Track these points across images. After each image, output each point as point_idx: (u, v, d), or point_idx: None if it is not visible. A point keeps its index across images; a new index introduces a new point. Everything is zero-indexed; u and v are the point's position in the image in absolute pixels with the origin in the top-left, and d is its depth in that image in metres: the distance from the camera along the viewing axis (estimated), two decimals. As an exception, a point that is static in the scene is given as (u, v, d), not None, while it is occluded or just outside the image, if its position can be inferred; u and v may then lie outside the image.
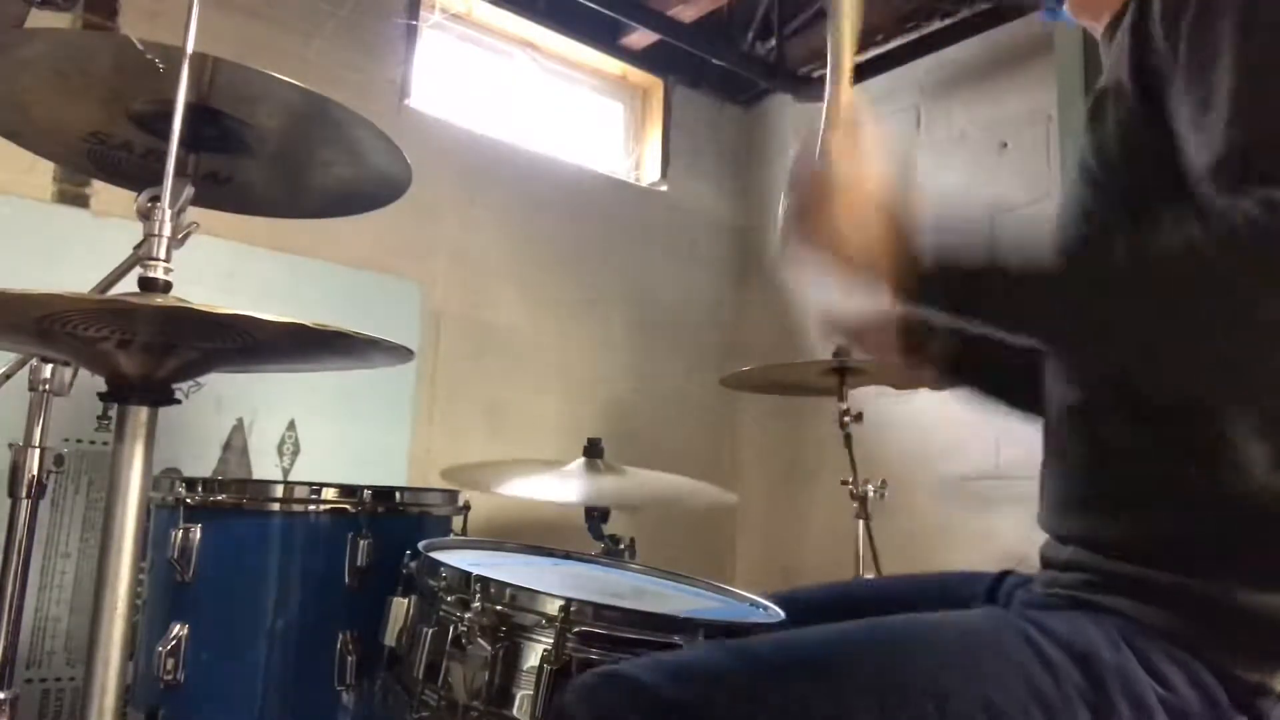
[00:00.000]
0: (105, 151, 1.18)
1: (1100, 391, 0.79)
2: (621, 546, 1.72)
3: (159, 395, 0.96)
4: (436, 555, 1.26)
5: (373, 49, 2.64)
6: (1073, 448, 0.83)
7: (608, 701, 0.76)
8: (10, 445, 1.25)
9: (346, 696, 1.43)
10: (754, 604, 1.31)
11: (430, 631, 1.16)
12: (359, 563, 1.46)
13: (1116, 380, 0.75)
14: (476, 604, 1.11)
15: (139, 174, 1.20)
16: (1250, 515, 0.72)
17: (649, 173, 3.34)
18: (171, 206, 0.96)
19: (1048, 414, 0.88)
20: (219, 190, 1.25)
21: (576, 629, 1.06)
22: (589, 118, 3.30)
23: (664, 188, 3.31)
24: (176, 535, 1.44)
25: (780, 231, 0.78)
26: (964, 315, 0.73)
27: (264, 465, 2.24)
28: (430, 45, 2.84)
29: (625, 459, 1.97)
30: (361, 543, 1.47)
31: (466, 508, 1.67)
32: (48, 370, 1.24)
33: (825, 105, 0.82)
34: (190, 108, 0.97)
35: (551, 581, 1.34)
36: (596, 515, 1.80)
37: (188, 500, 1.47)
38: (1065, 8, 0.99)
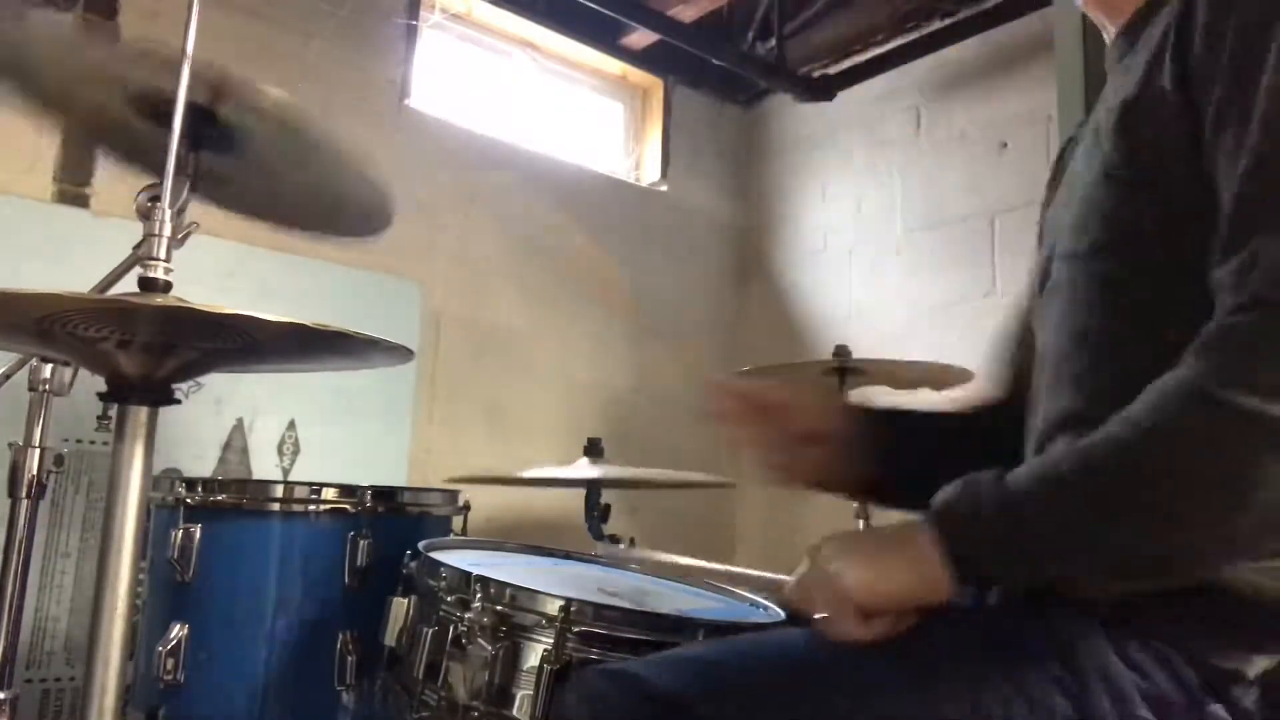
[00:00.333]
0: (112, 131, 1.17)
1: (1090, 400, 0.78)
2: (621, 546, 1.72)
3: (159, 395, 0.96)
4: (436, 555, 1.26)
5: (373, 49, 2.64)
6: (1057, 446, 0.83)
7: (608, 699, 0.76)
8: (10, 445, 1.25)
9: (346, 696, 1.43)
10: (754, 604, 1.31)
11: (430, 631, 1.16)
12: (359, 563, 1.46)
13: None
14: (476, 604, 1.11)
15: (143, 159, 1.20)
16: None
17: (649, 173, 3.34)
18: (171, 206, 0.96)
19: (1030, 423, 0.88)
20: (220, 190, 1.25)
21: (576, 629, 1.06)
22: (589, 118, 3.30)
23: (664, 188, 3.31)
24: (176, 535, 1.44)
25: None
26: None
27: (264, 465, 2.24)
28: (430, 45, 2.84)
29: (625, 459, 1.97)
30: (361, 543, 1.47)
31: (466, 508, 1.67)
32: (48, 370, 1.24)
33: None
34: (190, 106, 0.97)
35: (551, 581, 1.34)
36: (596, 515, 1.80)
37: (188, 500, 1.47)
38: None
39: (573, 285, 2.97)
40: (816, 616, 0.75)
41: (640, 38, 3.11)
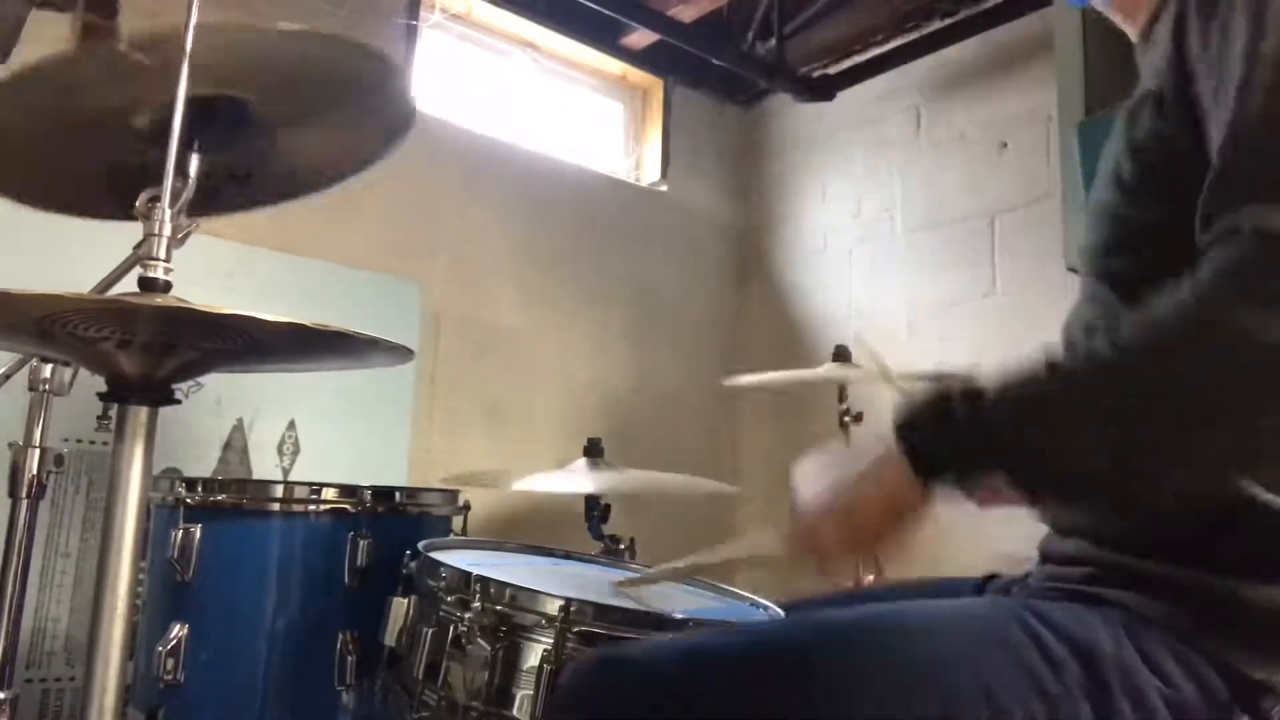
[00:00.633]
0: (127, 182, 1.16)
1: None
2: (621, 546, 1.72)
3: (159, 395, 0.96)
4: (436, 555, 1.26)
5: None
6: None
7: (603, 681, 0.75)
8: (10, 445, 1.25)
9: (346, 696, 1.43)
10: (754, 604, 1.31)
11: (430, 631, 1.16)
12: (359, 563, 1.46)
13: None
14: (476, 604, 1.11)
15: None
16: (1256, 509, 0.72)
17: (649, 173, 3.34)
18: (171, 206, 0.96)
19: None
20: (242, 191, 1.24)
21: (576, 629, 1.06)
22: (589, 118, 3.30)
23: (664, 188, 3.31)
24: (176, 535, 1.44)
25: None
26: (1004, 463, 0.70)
27: (264, 465, 2.24)
28: (430, 45, 2.84)
29: (625, 459, 1.97)
30: (361, 543, 1.47)
31: (466, 508, 1.67)
32: (48, 370, 1.24)
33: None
34: (191, 103, 0.97)
35: (551, 581, 1.34)
36: (596, 515, 1.80)
37: (188, 500, 1.47)
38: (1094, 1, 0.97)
39: (573, 285, 2.97)
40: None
41: (640, 38, 3.11)
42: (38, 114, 1.05)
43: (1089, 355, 0.66)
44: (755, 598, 1.31)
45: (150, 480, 0.96)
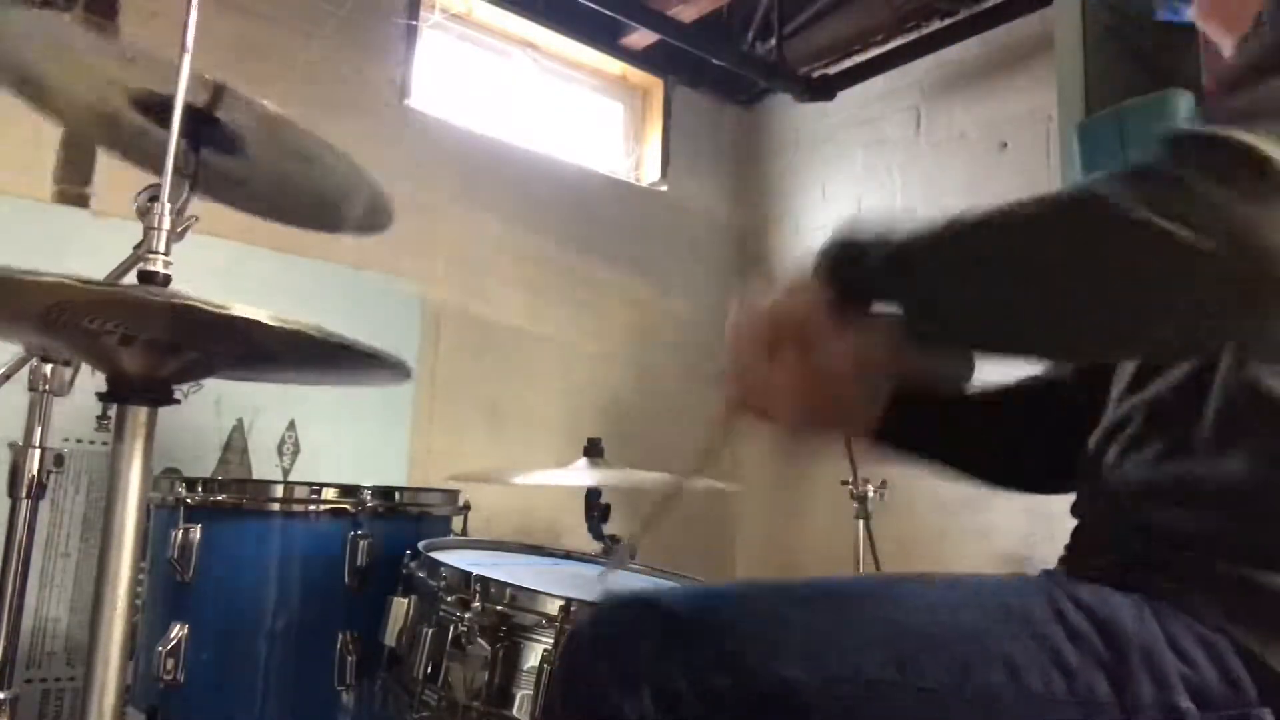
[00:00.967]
0: (126, 139, 1.17)
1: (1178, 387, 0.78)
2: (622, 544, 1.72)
3: (159, 395, 0.96)
4: (436, 555, 1.26)
5: (373, 49, 2.64)
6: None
7: (622, 619, 0.75)
8: (10, 445, 1.25)
9: (346, 696, 1.43)
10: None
11: (430, 631, 1.16)
12: (359, 563, 1.46)
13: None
14: (476, 604, 1.11)
15: (143, 156, 1.20)
16: None
17: (649, 173, 3.34)
18: (171, 201, 0.96)
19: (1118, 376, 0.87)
20: (234, 191, 1.24)
21: (577, 629, 1.06)
22: (589, 118, 3.30)
23: (664, 188, 3.31)
24: (176, 535, 1.44)
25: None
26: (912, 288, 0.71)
27: (264, 465, 2.24)
28: (430, 45, 2.84)
29: (625, 459, 1.97)
30: (361, 543, 1.47)
31: (466, 508, 1.67)
32: (48, 370, 1.24)
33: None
34: (190, 106, 0.97)
35: (551, 581, 1.34)
36: (596, 515, 1.80)
37: (188, 500, 1.47)
38: (1190, 13, 0.97)
39: (573, 285, 2.97)
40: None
41: (640, 38, 3.11)
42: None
43: (991, 208, 0.67)
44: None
45: (150, 480, 0.96)
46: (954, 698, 0.67)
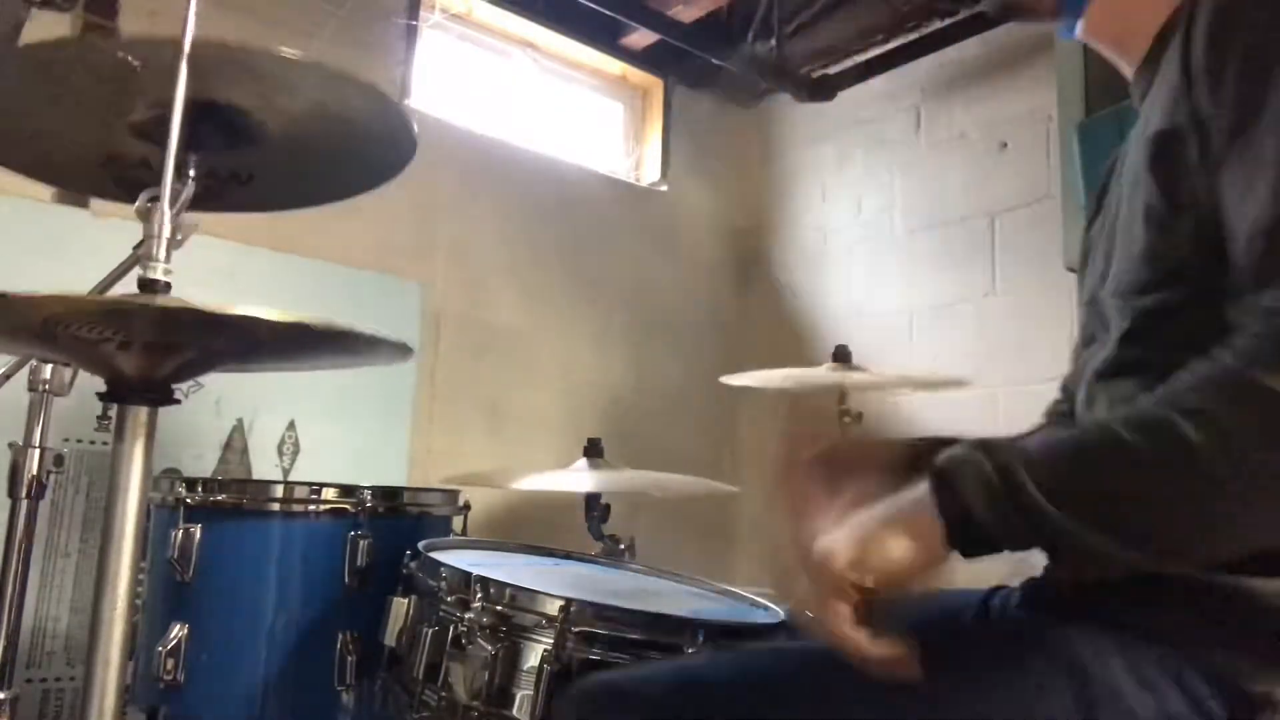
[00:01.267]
0: (126, 172, 1.16)
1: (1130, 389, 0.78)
2: (622, 546, 1.72)
3: (159, 395, 0.96)
4: (436, 555, 1.26)
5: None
6: None
7: (598, 709, 0.76)
8: (10, 445, 1.25)
9: (346, 697, 1.43)
10: (754, 604, 1.31)
11: (430, 631, 1.16)
12: (359, 563, 1.46)
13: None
14: (477, 604, 1.11)
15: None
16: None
17: (649, 173, 3.34)
18: (171, 207, 0.96)
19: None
20: (243, 191, 1.24)
21: (577, 629, 1.06)
22: (589, 118, 3.30)
23: (664, 188, 3.30)
24: (176, 535, 1.44)
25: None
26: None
27: (264, 465, 2.24)
28: (430, 45, 2.84)
29: (625, 459, 1.97)
30: (361, 543, 1.47)
31: (466, 508, 1.67)
32: (48, 370, 1.24)
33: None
34: (190, 105, 0.97)
35: (551, 581, 1.34)
36: (596, 515, 1.80)
37: (188, 500, 1.47)
38: (1079, 33, 0.97)
39: (573, 285, 2.97)
40: (808, 613, 0.71)
41: (640, 38, 3.11)
42: (31, 91, 1.05)
43: (1153, 433, 0.64)
44: (755, 597, 1.32)
45: (150, 480, 0.96)
46: None
